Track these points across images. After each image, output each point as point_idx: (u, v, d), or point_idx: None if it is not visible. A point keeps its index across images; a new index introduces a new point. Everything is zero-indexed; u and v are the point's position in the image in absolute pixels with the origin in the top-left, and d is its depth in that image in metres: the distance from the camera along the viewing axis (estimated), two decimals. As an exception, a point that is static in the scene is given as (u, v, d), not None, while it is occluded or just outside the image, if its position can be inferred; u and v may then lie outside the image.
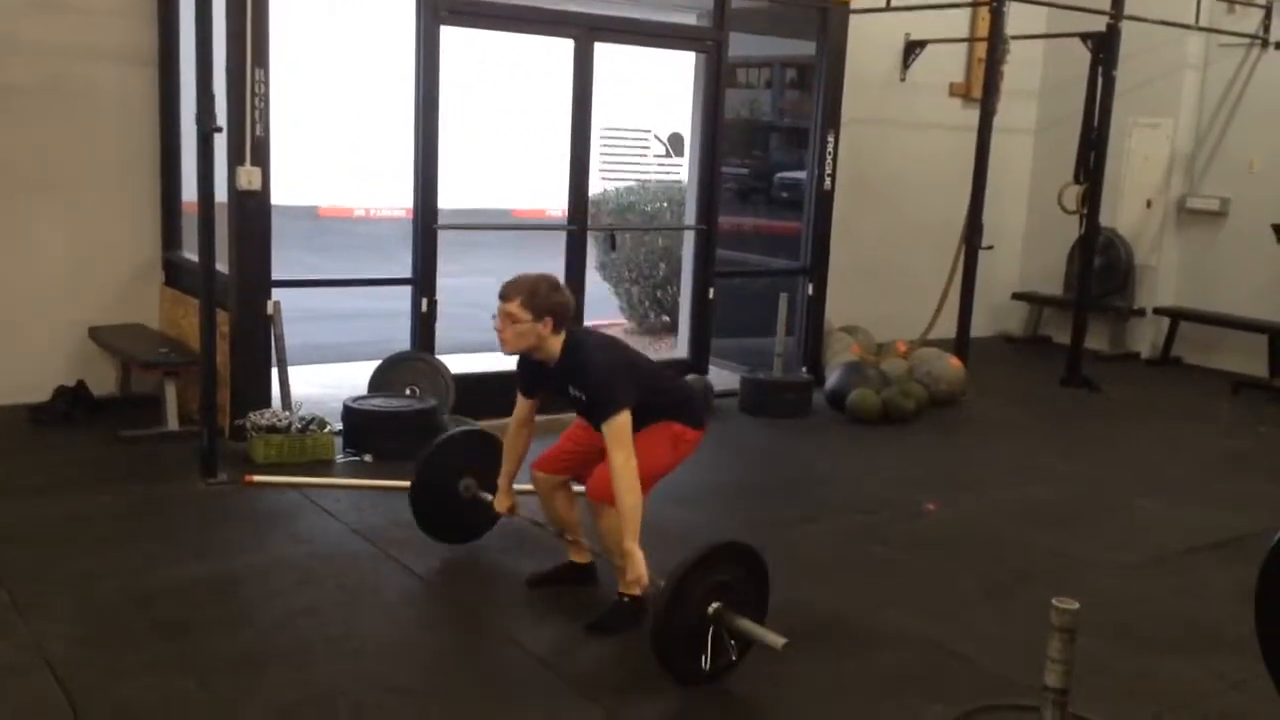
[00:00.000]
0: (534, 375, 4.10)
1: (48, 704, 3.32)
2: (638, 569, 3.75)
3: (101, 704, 3.32)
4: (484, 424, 6.18)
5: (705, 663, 3.53)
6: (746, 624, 3.54)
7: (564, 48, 6.79)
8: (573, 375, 3.94)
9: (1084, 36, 8.42)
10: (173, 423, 5.95)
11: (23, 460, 5.56)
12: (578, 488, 4.24)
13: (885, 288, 9.25)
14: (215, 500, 5.15)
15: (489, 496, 4.44)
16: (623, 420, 3.79)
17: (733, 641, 3.57)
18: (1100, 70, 8.37)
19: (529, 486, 4.34)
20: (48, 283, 6.35)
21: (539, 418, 4.29)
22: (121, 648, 3.69)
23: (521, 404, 4.23)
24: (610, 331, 10.17)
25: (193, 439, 5.49)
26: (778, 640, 3.47)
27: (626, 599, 4.00)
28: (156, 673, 3.53)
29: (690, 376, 7.26)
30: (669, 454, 4.09)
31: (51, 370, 6.33)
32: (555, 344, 3.92)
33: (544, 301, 3.84)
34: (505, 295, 3.88)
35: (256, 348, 5.96)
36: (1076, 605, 2.78)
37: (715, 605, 3.52)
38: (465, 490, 4.52)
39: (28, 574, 4.19)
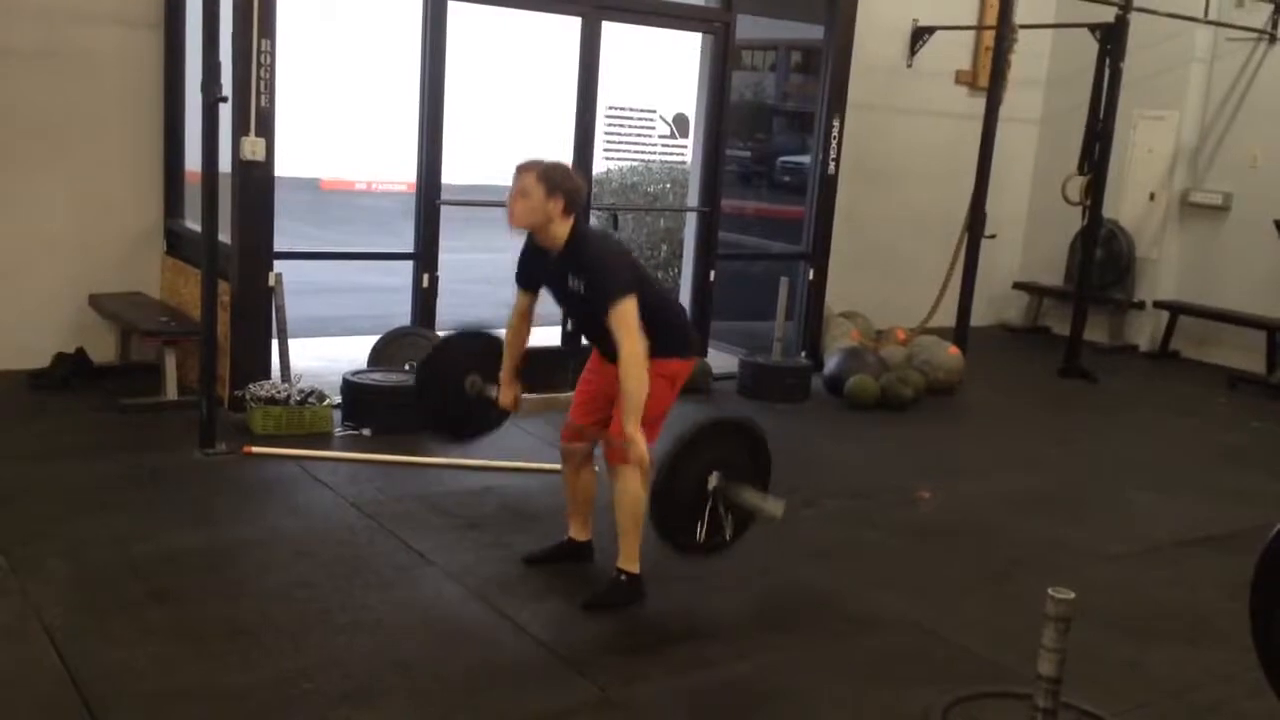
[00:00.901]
0: (534, 265, 4.07)
1: (43, 668, 3.33)
2: (639, 449, 3.74)
3: (96, 669, 3.33)
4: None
5: (700, 533, 3.52)
6: (746, 494, 3.52)
7: (571, 25, 6.77)
8: (574, 263, 3.90)
9: (1092, 27, 8.40)
10: (172, 392, 5.95)
11: (21, 426, 5.56)
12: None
13: (886, 274, 9.25)
14: (213, 470, 5.16)
15: (495, 391, 4.38)
16: (628, 306, 3.77)
17: (729, 517, 3.55)
18: (1107, 61, 8.35)
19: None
20: (49, 249, 6.34)
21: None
22: (117, 614, 3.70)
23: (520, 297, 4.21)
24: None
25: (192, 409, 5.49)
26: (777, 507, 3.48)
27: (624, 576, 4.03)
28: (152, 640, 3.55)
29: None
30: (670, 393, 4.05)
31: (51, 336, 6.33)
32: (562, 229, 3.88)
33: (559, 180, 3.84)
34: (521, 169, 3.88)
35: (257, 319, 5.96)
36: (1072, 595, 2.79)
37: (715, 479, 3.51)
38: (471, 387, 4.45)
39: (25, 539, 4.20)
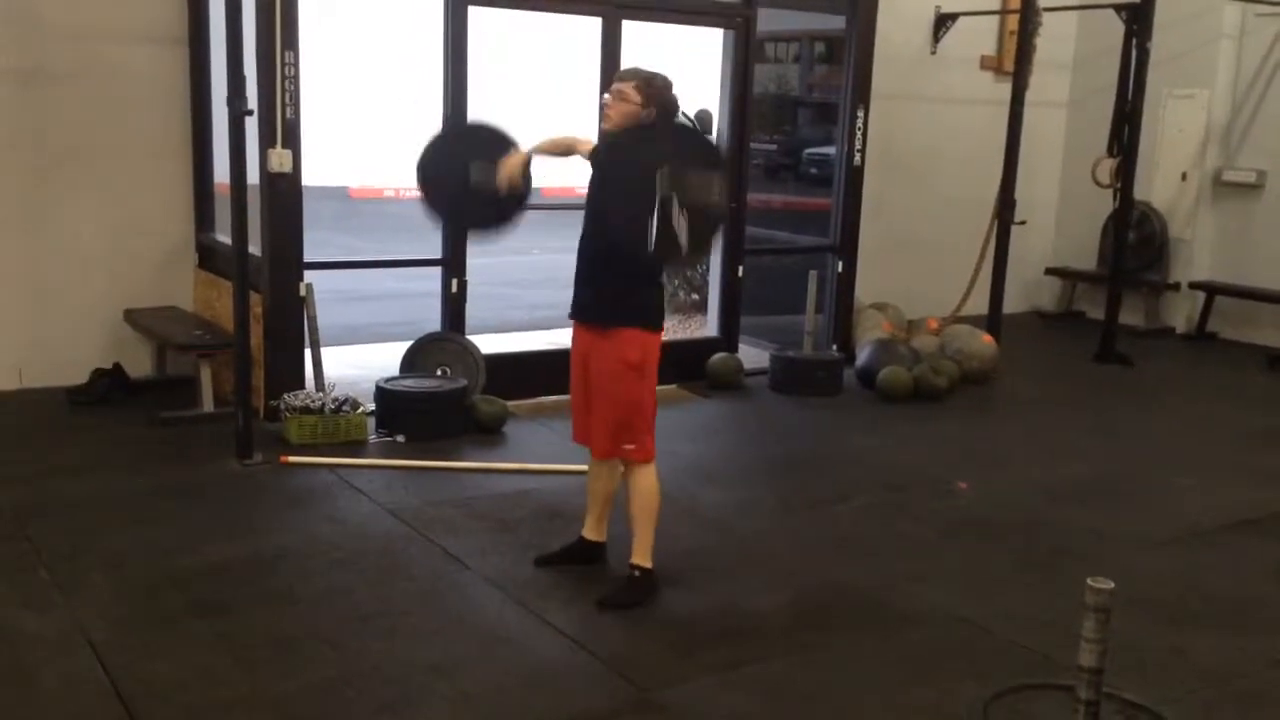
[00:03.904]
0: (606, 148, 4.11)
1: (88, 682, 3.38)
2: None
3: (140, 682, 3.37)
4: (514, 404, 6.26)
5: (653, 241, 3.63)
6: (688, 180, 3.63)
7: (592, 25, 6.77)
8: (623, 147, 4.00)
9: (1118, 8, 8.31)
10: (208, 404, 6.00)
11: (61, 442, 5.63)
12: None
13: (916, 264, 9.19)
14: (251, 480, 5.20)
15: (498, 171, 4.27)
16: None
17: (684, 222, 3.62)
18: (1134, 42, 8.25)
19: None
20: (83, 266, 6.41)
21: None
22: (159, 626, 3.75)
23: None
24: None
25: (228, 420, 5.54)
26: (712, 186, 3.64)
27: (638, 572, 4.06)
28: (194, 651, 3.58)
29: (719, 356, 7.27)
30: (655, 373, 4.09)
31: (88, 353, 6.40)
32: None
33: (656, 92, 3.99)
34: (623, 76, 4.04)
35: (290, 329, 6.00)
36: (1111, 585, 2.77)
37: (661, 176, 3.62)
38: (479, 176, 4.25)
39: (67, 554, 4.26)
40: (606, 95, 4.04)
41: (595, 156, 4.07)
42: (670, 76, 4.08)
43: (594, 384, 4.06)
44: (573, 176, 4.24)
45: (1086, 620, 2.78)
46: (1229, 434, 6.78)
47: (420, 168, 4.30)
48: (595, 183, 4.07)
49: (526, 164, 4.18)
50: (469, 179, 4.24)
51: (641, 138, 3.98)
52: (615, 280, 3.99)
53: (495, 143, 4.26)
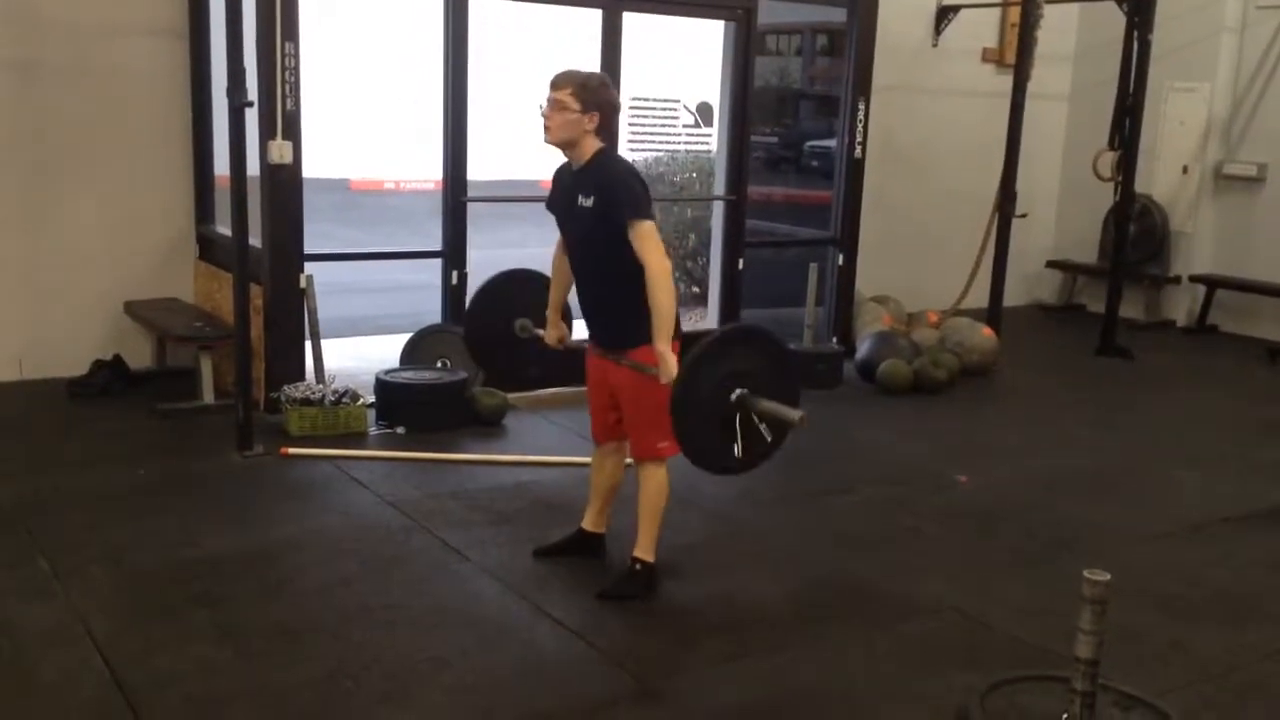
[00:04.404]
0: (559, 187, 4.00)
1: (89, 674, 3.38)
2: (671, 367, 3.67)
3: (141, 674, 3.38)
4: (514, 396, 6.26)
5: (737, 450, 3.59)
6: (765, 404, 3.56)
7: (592, 17, 6.76)
8: (588, 181, 3.83)
9: (1119, 0, 8.29)
10: (208, 396, 6.01)
11: (61, 433, 5.64)
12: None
13: (917, 257, 9.19)
14: (251, 472, 5.21)
15: (543, 333, 4.34)
16: (650, 226, 3.72)
17: (764, 425, 3.58)
18: (1136, 34, 8.24)
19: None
20: (83, 258, 6.41)
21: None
22: (160, 618, 3.75)
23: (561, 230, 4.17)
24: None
25: (228, 412, 5.54)
26: (794, 414, 3.53)
27: (639, 565, 4.06)
28: (195, 642, 3.59)
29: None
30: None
31: (89, 344, 6.41)
32: (590, 145, 3.83)
33: (594, 95, 3.77)
34: (557, 84, 3.79)
35: (290, 321, 6.00)
36: (1108, 577, 2.77)
37: (738, 392, 3.55)
38: (521, 330, 4.39)
39: (67, 545, 4.26)
40: (542, 105, 3.82)
41: (559, 191, 3.99)
42: (606, 75, 3.93)
43: (618, 394, 4.02)
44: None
45: (1083, 612, 2.79)
46: (1229, 427, 6.79)
47: (467, 336, 4.60)
48: (571, 218, 3.97)
49: (565, 311, 4.27)
50: (514, 338, 4.44)
51: (593, 170, 3.83)
52: (617, 312, 3.91)
53: (525, 286, 4.43)
